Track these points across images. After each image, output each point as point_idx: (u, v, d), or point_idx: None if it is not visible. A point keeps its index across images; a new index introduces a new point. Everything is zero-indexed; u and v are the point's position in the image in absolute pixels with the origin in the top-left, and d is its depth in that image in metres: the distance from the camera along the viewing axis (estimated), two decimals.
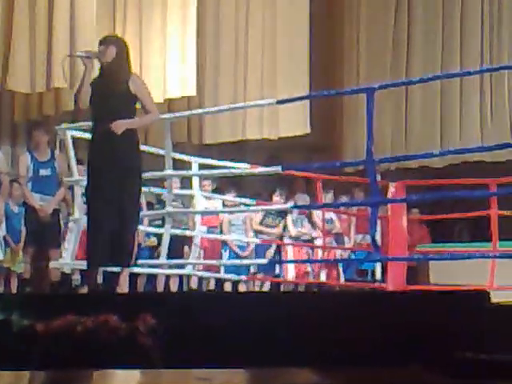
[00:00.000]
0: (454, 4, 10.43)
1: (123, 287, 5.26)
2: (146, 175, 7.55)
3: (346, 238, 9.75)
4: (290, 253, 9.29)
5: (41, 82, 8.47)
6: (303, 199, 9.40)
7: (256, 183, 9.83)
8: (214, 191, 9.07)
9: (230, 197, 8.93)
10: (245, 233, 9.19)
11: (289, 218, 9.35)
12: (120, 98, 5.21)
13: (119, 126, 5.14)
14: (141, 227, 8.34)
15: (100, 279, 8.11)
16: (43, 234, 7.19)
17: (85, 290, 5.30)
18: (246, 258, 9.03)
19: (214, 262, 8.62)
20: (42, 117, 9.24)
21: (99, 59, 5.29)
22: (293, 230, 9.34)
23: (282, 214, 9.28)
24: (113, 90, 5.20)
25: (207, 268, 8.33)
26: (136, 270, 7.72)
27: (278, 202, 9.11)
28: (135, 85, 5.27)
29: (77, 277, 8.37)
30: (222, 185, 9.48)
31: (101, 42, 5.35)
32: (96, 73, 5.44)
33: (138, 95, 5.26)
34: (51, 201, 7.23)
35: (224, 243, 9.11)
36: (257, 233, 9.24)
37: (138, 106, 5.39)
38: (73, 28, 8.46)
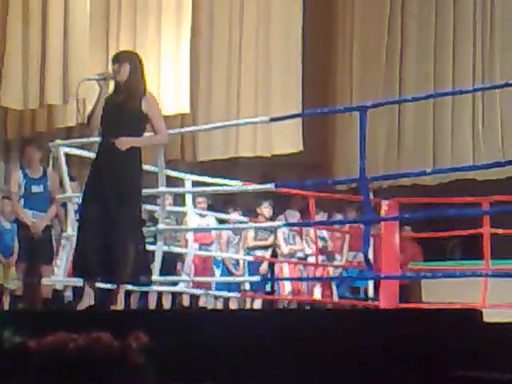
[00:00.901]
0: (446, 23, 10.49)
1: (119, 304, 5.23)
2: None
3: (337, 256, 9.75)
4: (285, 270, 9.27)
5: (34, 98, 8.48)
6: (293, 215, 9.39)
7: (248, 200, 9.82)
8: (207, 208, 9.07)
9: (224, 214, 8.93)
10: (237, 252, 9.20)
11: (280, 236, 9.33)
12: (130, 115, 5.19)
13: (123, 142, 5.13)
14: None
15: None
16: (35, 251, 7.17)
17: (80, 306, 5.26)
18: (238, 276, 9.04)
19: (207, 279, 8.60)
20: (35, 133, 9.24)
21: (114, 78, 5.27)
22: (285, 248, 9.33)
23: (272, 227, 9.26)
24: (125, 107, 5.18)
25: (198, 285, 8.32)
26: (128, 286, 7.70)
27: (266, 214, 9.11)
28: (148, 104, 5.23)
29: (69, 293, 8.35)
30: (216, 202, 9.48)
31: (114, 60, 5.31)
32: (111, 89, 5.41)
33: (149, 115, 5.22)
34: (43, 217, 7.22)
35: (217, 260, 9.09)
36: (252, 249, 9.23)
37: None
38: (66, 45, 8.48)
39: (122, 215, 5.11)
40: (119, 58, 5.31)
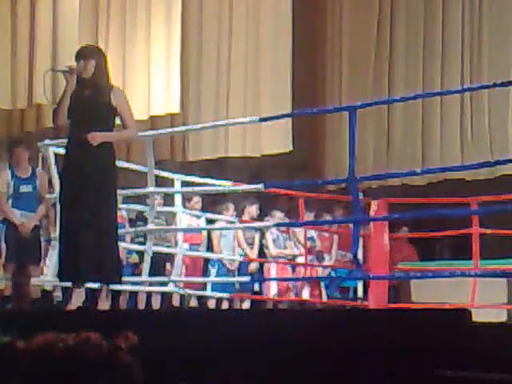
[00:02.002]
0: (435, 24, 10.51)
1: (104, 304, 5.20)
2: (129, 192, 7.60)
3: (326, 256, 9.75)
4: (272, 270, 9.27)
5: (22, 98, 8.45)
6: (278, 216, 9.37)
7: (237, 200, 9.82)
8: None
9: (216, 215, 8.94)
10: (233, 249, 9.20)
11: (269, 238, 9.32)
12: (100, 110, 5.14)
13: (96, 137, 5.06)
14: (122, 244, 8.33)
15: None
16: (23, 251, 7.15)
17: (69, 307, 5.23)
18: (233, 271, 9.02)
19: (197, 279, 8.60)
20: (24, 133, 9.21)
21: (79, 74, 5.22)
22: (273, 250, 9.31)
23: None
24: (94, 102, 5.13)
25: (189, 285, 8.31)
26: (118, 287, 7.69)
27: (253, 213, 9.12)
28: (117, 98, 5.19)
29: (58, 293, 8.33)
30: (206, 202, 9.47)
31: (78, 56, 5.26)
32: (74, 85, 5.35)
33: (118, 108, 5.18)
34: (32, 217, 7.20)
35: (210, 259, 9.06)
36: (242, 250, 9.25)
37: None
38: (55, 45, 8.46)
39: (101, 213, 5.05)
40: (84, 54, 5.26)
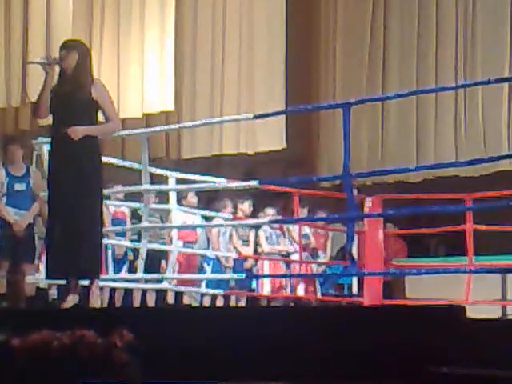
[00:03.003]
0: (429, 21, 10.53)
1: (94, 300, 5.18)
2: (124, 189, 7.61)
3: (321, 253, 9.76)
4: (265, 267, 9.27)
5: (16, 96, 8.45)
6: (270, 214, 9.37)
7: (234, 198, 9.83)
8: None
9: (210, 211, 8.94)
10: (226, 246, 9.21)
11: (261, 234, 9.32)
12: (81, 103, 5.08)
13: (76, 131, 5.01)
14: (114, 241, 8.34)
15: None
16: (17, 249, 7.14)
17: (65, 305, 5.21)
18: (228, 268, 9.03)
19: (192, 276, 8.60)
20: (18, 131, 9.21)
21: (60, 64, 5.16)
22: (266, 246, 9.31)
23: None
24: (74, 96, 5.08)
25: (183, 282, 8.31)
26: (113, 284, 7.70)
27: (246, 211, 9.12)
28: (98, 91, 5.13)
29: (53, 291, 8.32)
30: (202, 200, 9.48)
31: (62, 47, 5.22)
32: (56, 79, 5.31)
33: (99, 102, 5.12)
34: (26, 215, 7.19)
35: (207, 256, 9.07)
36: (235, 248, 9.25)
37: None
38: (48, 43, 8.46)
39: (84, 209, 5.01)
40: (67, 46, 5.23)
